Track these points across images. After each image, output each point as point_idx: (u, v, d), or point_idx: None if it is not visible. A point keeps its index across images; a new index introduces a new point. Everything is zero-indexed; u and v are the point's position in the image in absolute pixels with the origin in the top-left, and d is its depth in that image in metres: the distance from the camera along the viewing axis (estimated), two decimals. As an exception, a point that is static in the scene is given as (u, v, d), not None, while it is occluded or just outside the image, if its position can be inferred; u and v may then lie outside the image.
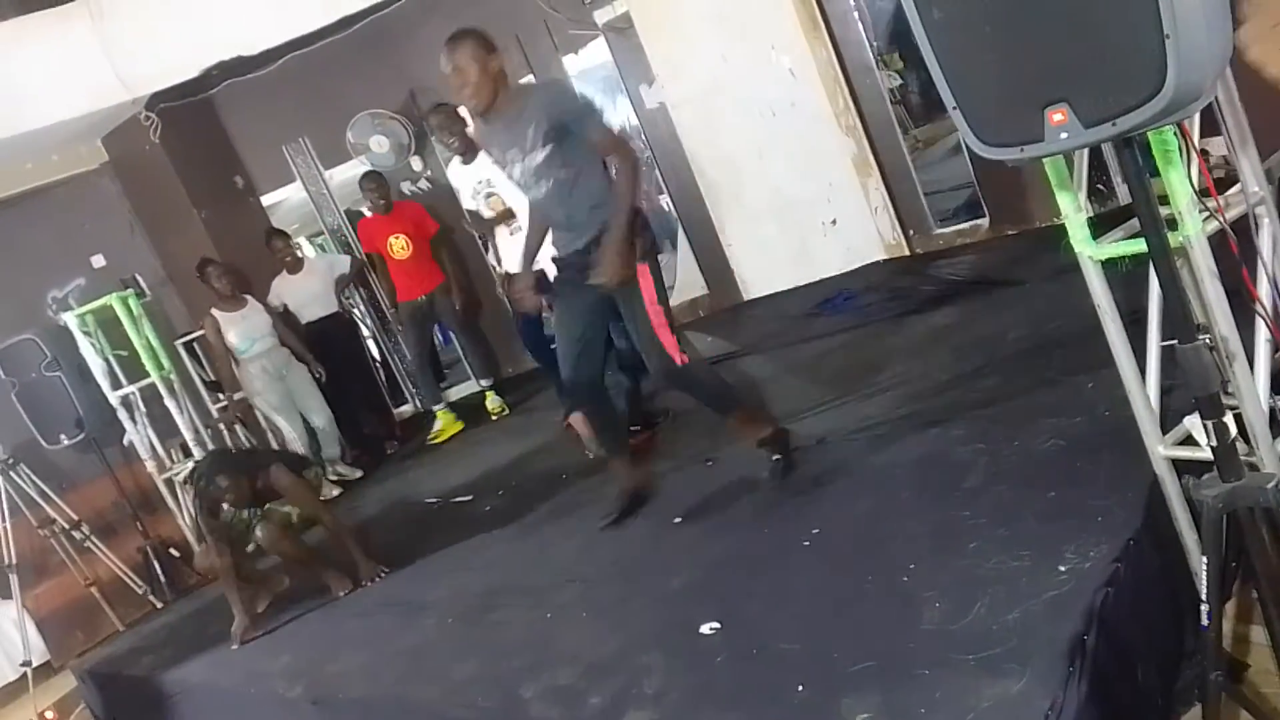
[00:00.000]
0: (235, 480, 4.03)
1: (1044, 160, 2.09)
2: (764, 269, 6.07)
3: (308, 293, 6.10)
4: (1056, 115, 1.53)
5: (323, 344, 6.06)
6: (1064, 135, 1.54)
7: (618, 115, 6.32)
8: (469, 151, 4.93)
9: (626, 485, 3.61)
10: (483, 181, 4.65)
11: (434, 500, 5.07)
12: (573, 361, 3.30)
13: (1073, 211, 2.19)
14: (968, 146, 5.65)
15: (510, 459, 5.09)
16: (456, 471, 5.36)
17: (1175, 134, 1.92)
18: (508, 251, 4.71)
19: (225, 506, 4.09)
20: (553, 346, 3.80)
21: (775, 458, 3.35)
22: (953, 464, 2.91)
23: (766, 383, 4.50)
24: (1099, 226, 2.21)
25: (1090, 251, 2.17)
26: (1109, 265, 2.20)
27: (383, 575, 4.15)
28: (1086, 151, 2.15)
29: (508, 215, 4.64)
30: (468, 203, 4.96)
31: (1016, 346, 3.67)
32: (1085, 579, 2.12)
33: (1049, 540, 2.31)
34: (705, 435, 4.00)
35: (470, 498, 4.82)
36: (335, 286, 6.30)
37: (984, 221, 5.36)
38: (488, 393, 6.13)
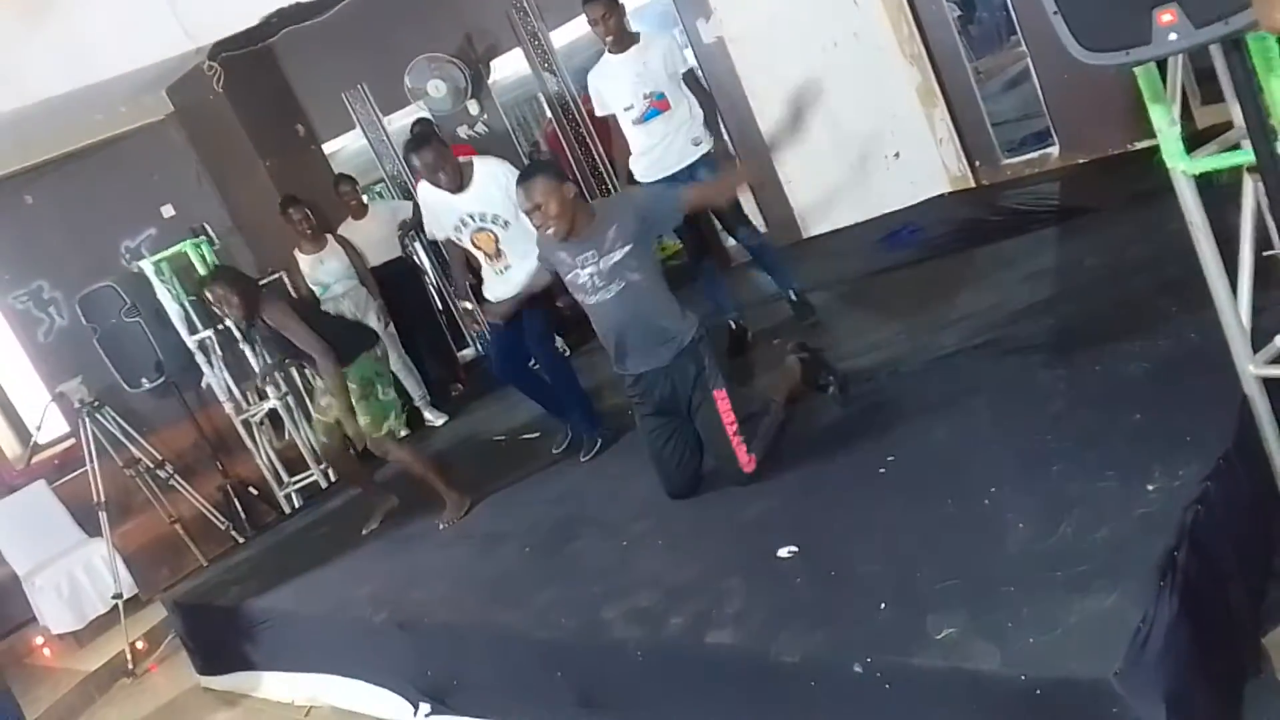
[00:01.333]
0: (233, 289, 4.06)
1: (1136, 71, 2.04)
2: (824, 205, 6.01)
3: (373, 237, 6.16)
4: (1165, 15, 1.49)
5: (387, 288, 6.14)
6: (1173, 36, 1.50)
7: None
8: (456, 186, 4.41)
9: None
10: (474, 215, 4.30)
11: (501, 437, 5.16)
12: (683, 474, 3.34)
13: (1166, 125, 2.13)
14: (1038, 75, 5.45)
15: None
16: (521, 412, 5.43)
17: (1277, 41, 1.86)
18: (492, 283, 4.29)
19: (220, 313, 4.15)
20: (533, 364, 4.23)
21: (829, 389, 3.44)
22: (1033, 390, 2.89)
23: (833, 317, 4.47)
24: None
25: (1184, 166, 2.12)
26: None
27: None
28: (1182, 61, 2.08)
29: (495, 254, 4.22)
30: (440, 231, 4.36)
31: (1093, 274, 3.60)
32: (1174, 497, 2.11)
33: (1136, 461, 2.30)
34: (772, 369, 4.01)
35: (538, 434, 4.89)
36: (398, 231, 6.36)
37: (1053, 150, 5.23)
38: None
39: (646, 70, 4.17)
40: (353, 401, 4.17)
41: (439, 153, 3.89)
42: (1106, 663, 1.75)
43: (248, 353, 5.97)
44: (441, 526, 4.16)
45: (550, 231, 3.19)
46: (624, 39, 4.21)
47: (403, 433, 4.34)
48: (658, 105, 4.18)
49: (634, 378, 3.31)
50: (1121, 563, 2.00)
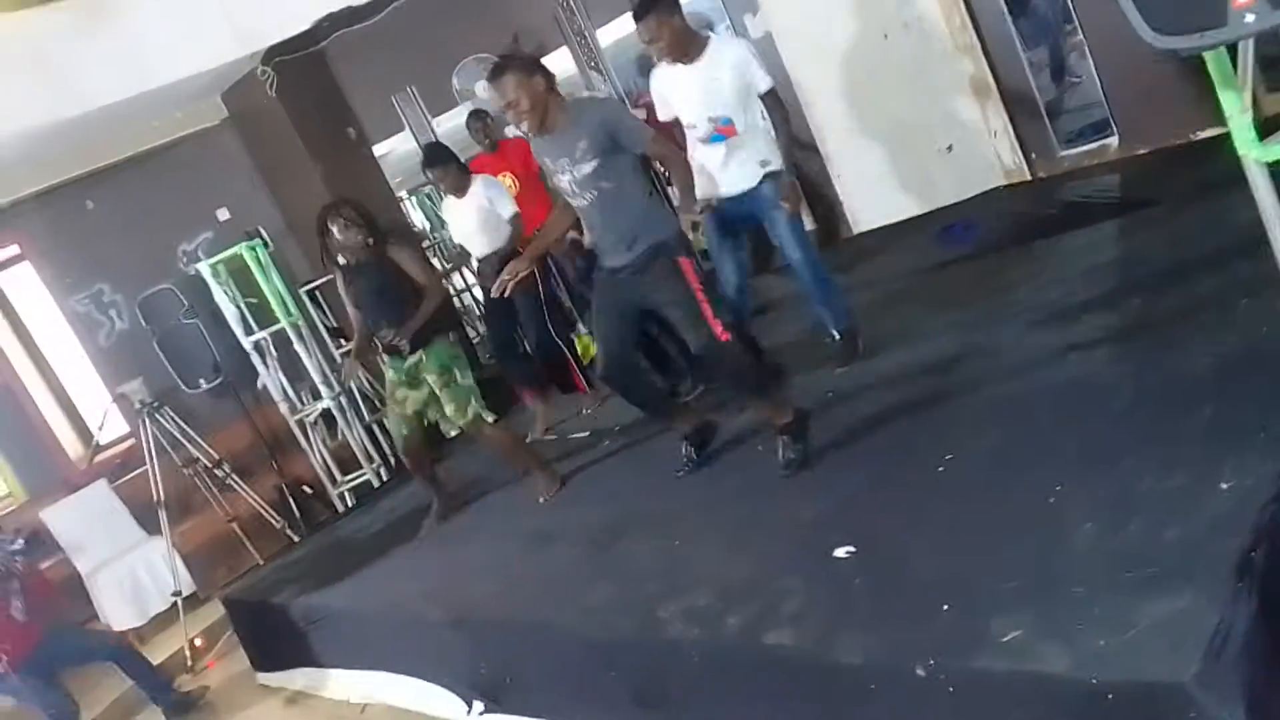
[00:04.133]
0: (359, 213, 4.16)
1: (1206, 57, 1.98)
2: (875, 200, 5.92)
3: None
4: (1243, -2, 1.43)
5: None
6: (1250, 18, 1.45)
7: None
8: (459, 190, 5.02)
9: (685, 429, 3.70)
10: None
11: (550, 437, 5.17)
12: (615, 349, 3.45)
13: (1237, 112, 2.06)
14: (1096, 64, 5.30)
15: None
16: (571, 412, 5.45)
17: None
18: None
19: (339, 232, 4.13)
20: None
21: (791, 446, 3.29)
22: (1096, 386, 2.82)
23: (885, 311, 4.41)
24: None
25: (1257, 153, 2.05)
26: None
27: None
28: (1252, 47, 2.01)
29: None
30: (459, 238, 5.10)
31: (1157, 267, 3.50)
32: (1250, 496, 2.04)
33: (1207, 459, 2.22)
34: (824, 368, 3.98)
35: (586, 433, 4.90)
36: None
37: (1113, 141, 5.10)
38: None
39: (715, 89, 3.66)
40: (436, 390, 4.20)
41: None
42: (1183, 666, 1.70)
43: (301, 353, 6.06)
44: (541, 500, 4.22)
45: (524, 126, 3.22)
46: (689, 50, 3.67)
47: (490, 417, 4.34)
48: (723, 131, 3.71)
49: (607, 271, 3.40)
50: (1195, 563, 1.93)
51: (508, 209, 5.05)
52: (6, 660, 4.62)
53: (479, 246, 5.16)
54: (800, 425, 3.31)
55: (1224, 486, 2.10)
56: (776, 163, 3.78)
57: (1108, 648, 1.84)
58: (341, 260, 4.25)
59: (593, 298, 3.59)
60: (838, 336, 4.01)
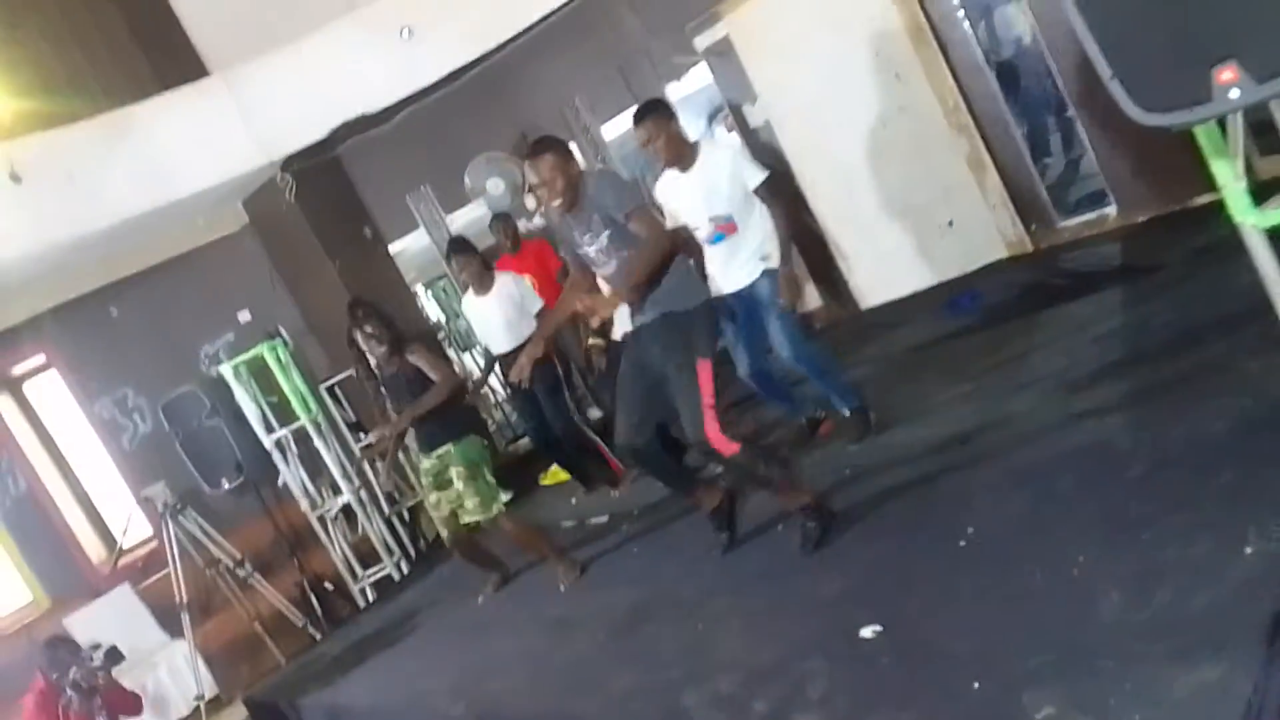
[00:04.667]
0: (383, 323, 4.30)
1: (1197, 130, 2.05)
2: (880, 276, 6.01)
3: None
4: (1225, 73, 1.51)
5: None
6: (1235, 93, 1.51)
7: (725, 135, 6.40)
8: (481, 285, 5.19)
9: (712, 508, 3.65)
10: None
11: (570, 523, 5.17)
12: (635, 420, 3.43)
13: (1231, 180, 2.12)
14: (1089, 135, 5.42)
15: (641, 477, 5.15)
16: (590, 497, 5.46)
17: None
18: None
19: (363, 341, 4.31)
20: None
21: (809, 524, 3.28)
22: (1113, 454, 2.82)
23: (897, 384, 4.44)
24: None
25: (1254, 220, 2.11)
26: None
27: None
28: (1241, 117, 2.08)
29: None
30: (481, 336, 5.36)
31: (1165, 332, 3.53)
32: (1275, 559, 2.03)
33: (1229, 523, 2.22)
34: (836, 450, 4.00)
35: (606, 518, 4.89)
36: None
37: (1111, 210, 5.19)
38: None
39: (714, 193, 3.84)
40: (460, 485, 4.25)
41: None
42: (1219, 737, 1.68)
43: (321, 449, 6.12)
44: (563, 588, 4.22)
45: (556, 204, 3.32)
46: (681, 156, 3.87)
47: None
48: (724, 229, 3.87)
49: (632, 333, 3.44)
50: (1225, 631, 1.92)
51: (535, 304, 5.17)
52: None
53: (502, 343, 5.24)
54: (817, 506, 3.32)
55: (1249, 551, 2.10)
56: (775, 259, 3.87)
57: (1143, 721, 1.82)
58: (377, 372, 4.42)
59: (621, 365, 3.60)
60: (847, 414, 4.05)
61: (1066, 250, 5.20)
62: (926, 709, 2.23)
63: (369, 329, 4.29)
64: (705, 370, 3.23)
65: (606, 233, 3.30)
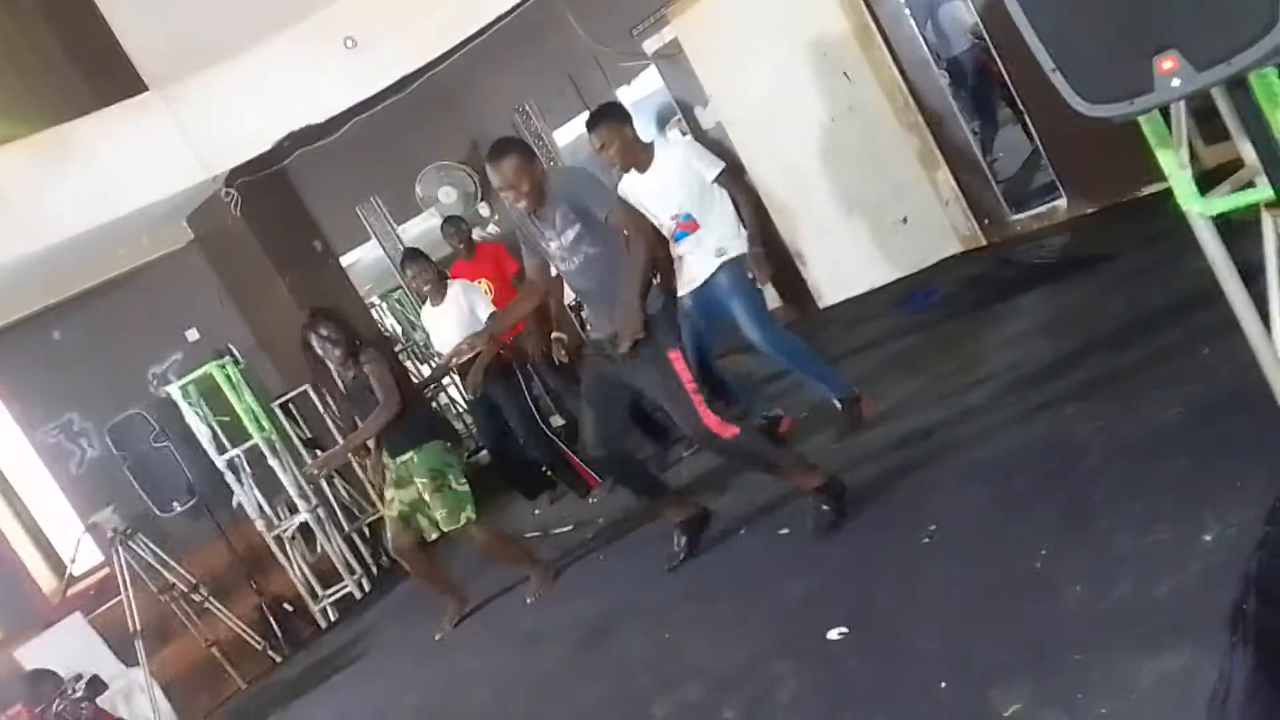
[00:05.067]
0: (336, 330, 4.17)
1: (1140, 119, 2.05)
2: (837, 274, 6.03)
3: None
4: (1166, 63, 1.50)
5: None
6: (1176, 82, 1.51)
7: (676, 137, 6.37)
8: (438, 295, 5.15)
9: (680, 520, 3.62)
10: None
11: (535, 534, 5.11)
12: (602, 429, 3.44)
13: (1176, 169, 2.13)
14: (1037, 128, 5.45)
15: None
16: (553, 507, 5.40)
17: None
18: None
19: (317, 345, 4.17)
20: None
21: (824, 508, 3.24)
22: (1069, 445, 2.84)
23: (858, 382, 4.43)
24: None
25: (1200, 207, 2.11)
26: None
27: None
28: (1184, 106, 2.09)
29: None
30: (438, 344, 5.29)
31: (1117, 322, 3.57)
32: (1234, 545, 2.04)
33: (1186, 510, 2.23)
34: (818, 440, 3.98)
35: (570, 527, 4.85)
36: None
37: (1061, 202, 5.25)
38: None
39: (668, 190, 3.88)
40: (425, 494, 4.15)
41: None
42: (1187, 726, 1.68)
43: (276, 468, 5.99)
44: (529, 600, 4.15)
45: (521, 205, 3.28)
46: (638, 159, 3.91)
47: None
48: (685, 227, 3.90)
49: (594, 343, 3.43)
50: (1188, 618, 1.92)
51: (484, 311, 5.08)
52: None
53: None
54: (831, 487, 3.26)
55: (1207, 538, 2.11)
56: (734, 249, 3.88)
57: (1112, 714, 1.81)
58: (337, 380, 4.31)
59: (581, 373, 3.62)
60: (839, 406, 3.99)
61: (1019, 243, 5.26)
62: (895, 709, 2.22)
63: (323, 331, 4.16)
64: (677, 358, 3.23)
65: (574, 229, 3.24)
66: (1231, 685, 1.73)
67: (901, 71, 5.46)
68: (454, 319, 5.08)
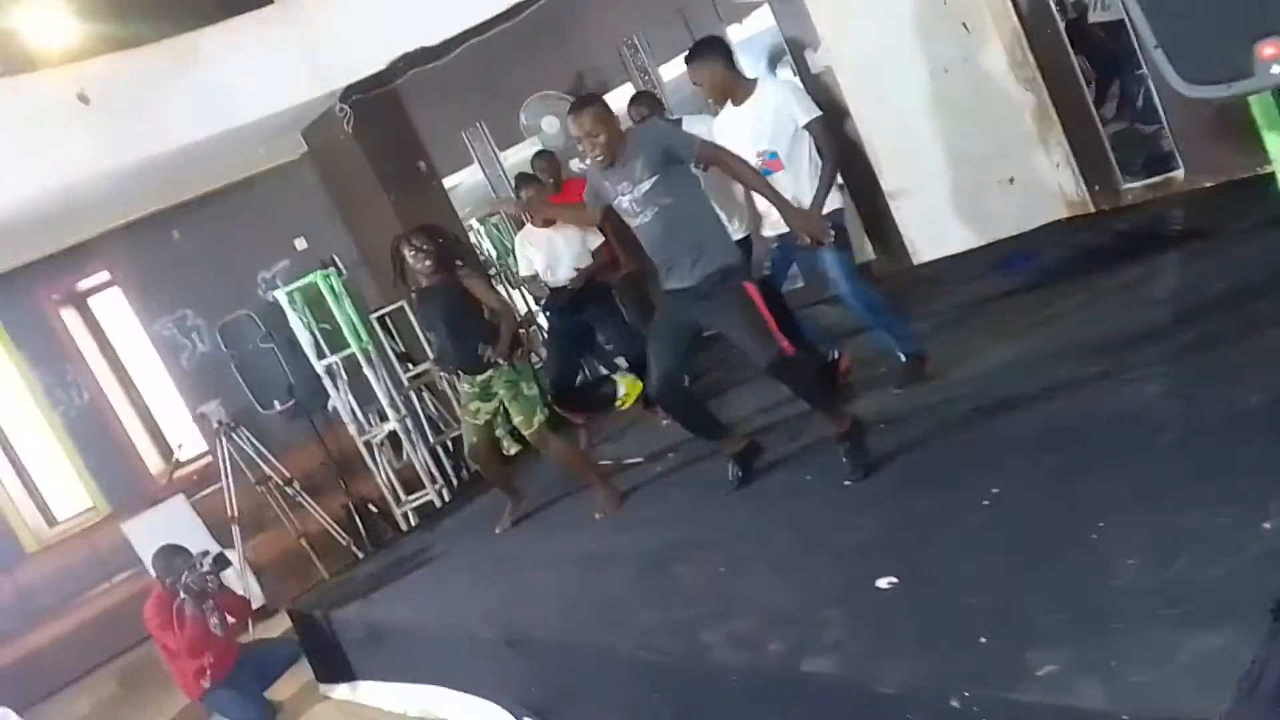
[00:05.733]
0: (433, 241, 4.38)
1: (1252, 100, 2.00)
2: (936, 231, 5.92)
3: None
4: (1268, 49, 1.47)
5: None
6: (1276, 69, 1.48)
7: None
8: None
9: (735, 451, 3.80)
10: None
11: (607, 462, 5.25)
12: (668, 370, 3.59)
13: (1282, 151, 2.06)
14: (1160, 96, 5.25)
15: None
16: (626, 438, 5.53)
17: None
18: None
19: (408, 254, 4.38)
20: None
21: (847, 449, 3.41)
22: (1149, 420, 2.80)
23: (941, 340, 4.41)
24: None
25: (1303, 192, 2.05)
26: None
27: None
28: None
29: None
30: (538, 265, 5.32)
31: (1215, 301, 3.45)
32: (1294, 536, 2.02)
33: (1253, 496, 2.20)
34: (874, 399, 4.00)
35: (640, 459, 4.97)
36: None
37: (1178, 174, 5.03)
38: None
39: (761, 126, 3.85)
40: (506, 402, 4.41)
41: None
42: (1215, 703, 1.70)
43: (370, 377, 6.28)
44: (597, 516, 4.33)
45: (599, 158, 3.41)
46: (735, 93, 3.91)
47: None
48: (770, 165, 3.85)
49: (668, 293, 3.53)
50: (1235, 601, 1.92)
51: (595, 240, 5.22)
52: (211, 675, 4.86)
53: (559, 275, 5.32)
54: (858, 432, 3.42)
55: (1266, 526, 2.09)
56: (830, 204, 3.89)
57: (1142, 684, 1.84)
58: (415, 285, 4.46)
59: (653, 319, 3.75)
60: (904, 359, 4.05)
61: (1128, 213, 5.07)
62: (933, 660, 2.27)
63: (415, 241, 4.36)
64: (752, 290, 3.40)
65: (651, 179, 3.35)
66: (1265, 669, 1.74)
67: (1023, 24, 5.26)
68: (564, 242, 5.21)
